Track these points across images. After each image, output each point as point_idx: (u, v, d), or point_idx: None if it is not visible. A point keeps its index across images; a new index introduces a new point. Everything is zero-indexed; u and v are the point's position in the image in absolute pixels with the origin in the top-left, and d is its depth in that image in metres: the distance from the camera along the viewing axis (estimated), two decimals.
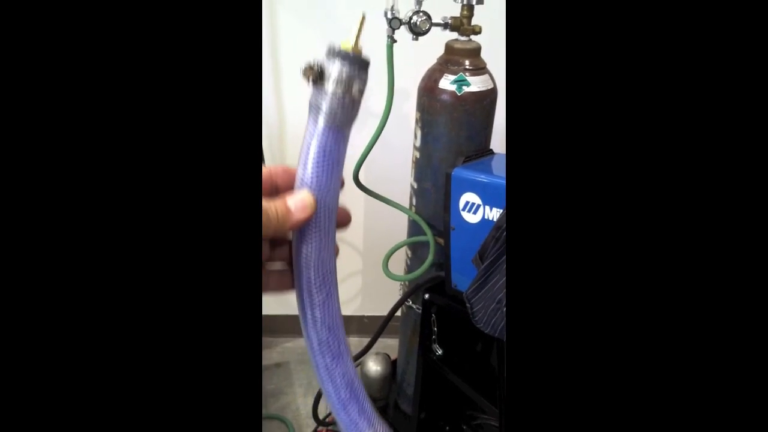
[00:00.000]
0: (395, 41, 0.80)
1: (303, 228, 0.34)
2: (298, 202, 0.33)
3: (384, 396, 1.27)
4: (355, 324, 1.59)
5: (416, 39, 0.80)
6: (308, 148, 0.33)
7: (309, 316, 0.36)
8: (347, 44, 0.32)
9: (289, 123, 1.31)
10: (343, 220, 0.38)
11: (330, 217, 0.34)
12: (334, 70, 0.32)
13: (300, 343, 1.57)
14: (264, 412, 1.31)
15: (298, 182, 0.34)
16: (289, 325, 1.56)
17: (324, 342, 0.36)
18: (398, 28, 0.79)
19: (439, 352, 1.00)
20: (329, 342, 0.36)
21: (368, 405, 0.39)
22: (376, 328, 1.06)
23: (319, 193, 0.33)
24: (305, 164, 0.33)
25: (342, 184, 0.35)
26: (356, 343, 1.45)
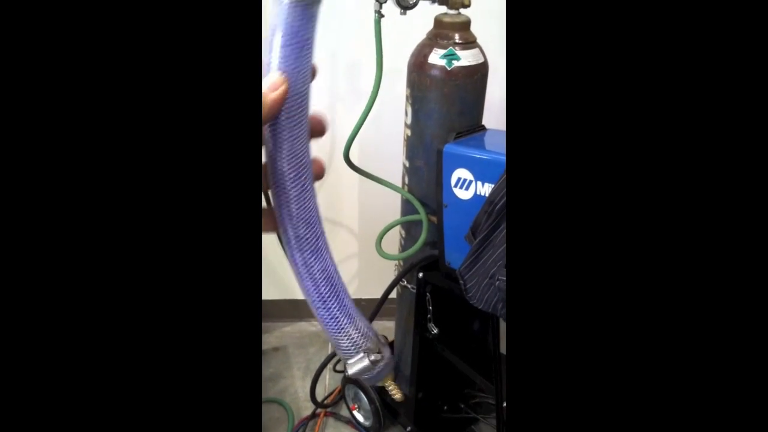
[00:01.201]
0: (383, 16, 0.79)
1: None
2: (268, 83, 0.31)
3: None
4: None
5: (404, 13, 0.79)
6: (273, 30, 0.31)
7: (285, 211, 0.34)
8: None
9: None
10: (318, 128, 0.35)
11: (301, 104, 0.32)
12: None
13: (298, 327, 1.57)
14: (263, 395, 1.32)
15: (265, 68, 0.32)
16: (286, 310, 1.56)
17: (302, 237, 0.35)
18: (385, 2, 0.77)
19: (435, 330, 0.99)
20: (307, 237, 0.35)
21: (349, 301, 0.38)
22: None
23: (287, 76, 0.31)
24: (271, 46, 0.31)
25: (314, 72, 0.33)
26: None
